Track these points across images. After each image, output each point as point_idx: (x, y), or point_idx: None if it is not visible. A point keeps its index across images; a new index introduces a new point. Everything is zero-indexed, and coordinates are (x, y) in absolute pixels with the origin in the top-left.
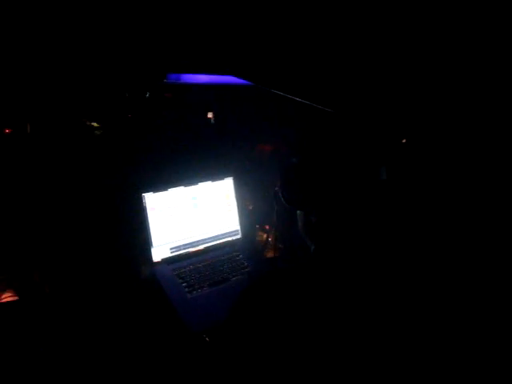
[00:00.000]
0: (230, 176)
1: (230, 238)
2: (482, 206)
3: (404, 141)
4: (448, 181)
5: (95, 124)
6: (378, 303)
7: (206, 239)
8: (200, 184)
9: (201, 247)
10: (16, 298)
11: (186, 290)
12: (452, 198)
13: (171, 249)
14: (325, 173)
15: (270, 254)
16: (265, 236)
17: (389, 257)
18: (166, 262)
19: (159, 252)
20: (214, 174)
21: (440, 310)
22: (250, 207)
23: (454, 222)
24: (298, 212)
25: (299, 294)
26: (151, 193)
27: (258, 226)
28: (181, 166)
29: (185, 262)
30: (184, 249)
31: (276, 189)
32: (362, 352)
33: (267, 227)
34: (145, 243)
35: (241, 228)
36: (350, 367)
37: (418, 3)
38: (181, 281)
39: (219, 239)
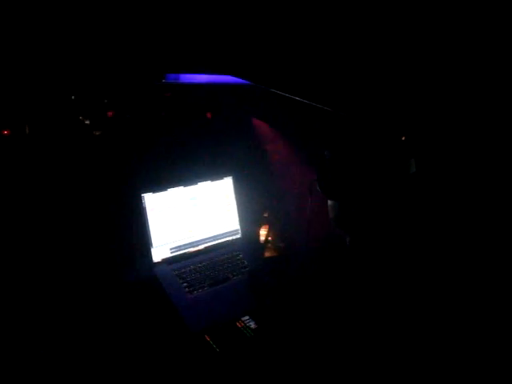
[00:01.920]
0: (230, 175)
1: (229, 238)
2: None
3: (403, 138)
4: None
5: (86, 121)
6: (417, 293)
7: (205, 239)
8: (199, 184)
9: (201, 247)
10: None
11: (187, 289)
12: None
13: (171, 249)
14: (357, 164)
15: (269, 253)
16: (265, 235)
17: (426, 248)
18: (167, 262)
19: (159, 252)
20: (214, 174)
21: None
22: (266, 215)
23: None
24: (330, 203)
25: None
26: (151, 193)
27: (258, 225)
28: (180, 166)
29: (185, 262)
30: (184, 249)
31: (312, 181)
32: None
33: (267, 226)
34: (145, 244)
35: (240, 227)
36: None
37: (420, 3)
38: (181, 281)
39: (219, 239)
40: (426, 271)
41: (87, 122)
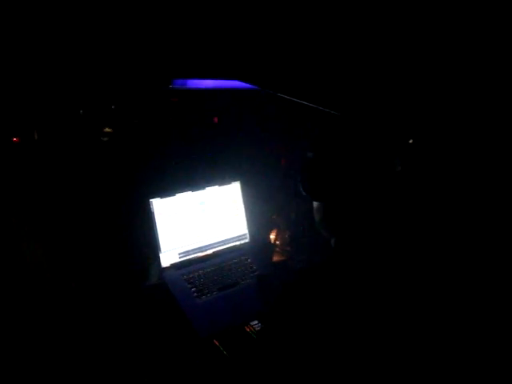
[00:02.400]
0: (237, 180)
1: (238, 242)
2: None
3: (411, 141)
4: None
5: (108, 129)
6: (403, 297)
7: (214, 244)
8: (207, 189)
9: (209, 252)
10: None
11: (195, 294)
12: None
13: (180, 254)
14: (340, 164)
15: (277, 257)
16: (273, 239)
17: (412, 249)
18: (175, 267)
19: (168, 257)
20: (221, 179)
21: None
22: (274, 216)
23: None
24: (315, 205)
25: (327, 289)
26: (158, 198)
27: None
28: (188, 170)
29: (193, 267)
30: (192, 254)
31: (296, 183)
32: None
33: (275, 230)
34: (153, 249)
35: (249, 232)
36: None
37: (429, 6)
38: (190, 286)
39: (227, 243)
40: (415, 272)
41: (105, 139)
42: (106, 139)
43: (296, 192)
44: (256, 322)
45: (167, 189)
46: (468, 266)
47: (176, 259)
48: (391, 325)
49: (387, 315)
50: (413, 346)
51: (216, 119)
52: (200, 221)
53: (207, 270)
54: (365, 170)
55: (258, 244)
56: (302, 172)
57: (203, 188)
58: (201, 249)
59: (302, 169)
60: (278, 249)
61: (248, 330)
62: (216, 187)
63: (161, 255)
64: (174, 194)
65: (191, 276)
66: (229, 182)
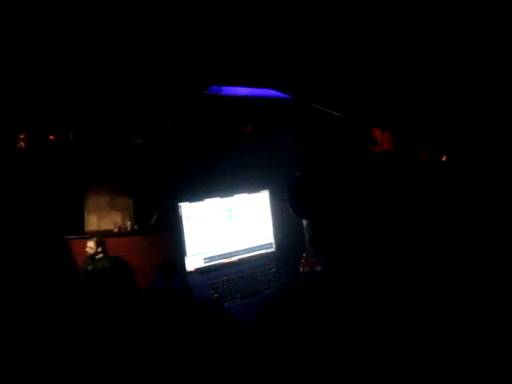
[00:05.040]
0: (266, 189)
1: (263, 251)
2: None
3: (444, 158)
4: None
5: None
6: (393, 319)
7: (239, 251)
8: (236, 196)
9: (234, 259)
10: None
11: (218, 300)
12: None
13: (205, 259)
14: (327, 183)
15: (303, 268)
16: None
17: (403, 270)
18: (199, 271)
19: (193, 262)
20: (250, 187)
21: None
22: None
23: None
24: (305, 224)
25: (314, 311)
26: (187, 202)
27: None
28: (218, 177)
29: (218, 273)
30: (217, 259)
31: (283, 199)
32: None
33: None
34: (179, 252)
35: (275, 241)
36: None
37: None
38: (213, 291)
39: (253, 251)
40: (405, 292)
41: (139, 141)
42: (139, 141)
43: (283, 211)
44: None
45: (196, 193)
46: (467, 296)
47: (201, 264)
48: (382, 345)
49: (377, 336)
50: (408, 373)
51: (249, 127)
52: (227, 227)
53: (231, 276)
54: (351, 190)
55: (284, 254)
56: (289, 190)
57: (232, 195)
58: (226, 255)
59: (290, 187)
60: (303, 260)
61: None
62: (245, 194)
63: (186, 259)
64: (202, 199)
65: (215, 282)
66: (258, 190)
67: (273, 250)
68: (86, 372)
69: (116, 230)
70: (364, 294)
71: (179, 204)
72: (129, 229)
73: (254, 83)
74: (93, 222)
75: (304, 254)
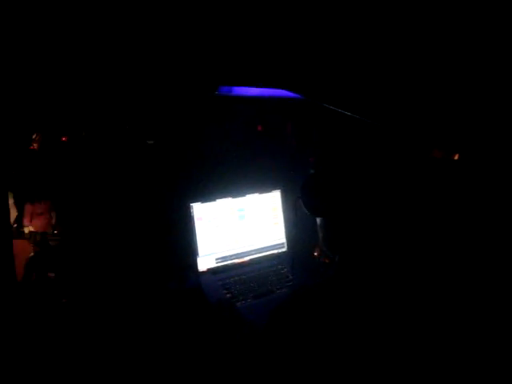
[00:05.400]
0: (278, 189)
1: (275, 251)
2: None
3: (457, 157)
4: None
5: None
6: (405, 316)
7: (251, 251)
8: (248, 196)
9: (246, 259)
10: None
11: (231, 300)
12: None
13: (217, 259)
14: (341, 181)
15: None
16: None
17: (414, 266)
18: (211, 271)
19: (205, 262)
20: (262, 187)
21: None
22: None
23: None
24: (319, 223)
25: (328, 310)
26: (199, 203)
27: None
28: (229, 177)
29: (230, 273)
30: (229, 260)
31: (297, 197)
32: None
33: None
34: (191, 252)
35: (287, 241)
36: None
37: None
38: (225, 291)
39: (265, 251)
40: (418, 289)
41: (150, 142)
42: (151, 142)
43: (296, 209)
44: None
45: (208, 194)
46: (478, 287)
47: (213, 264)
48: (395, 344)
49: (391, 335)
50: (418, 370)
51: (260, 127)
52: (238, 227)
53: (243, 276)
54: (366, 186)
55: (296, 253)
56: (303, 188)
57: (244, 195)
58: (238, 255)
59: (303, 185)
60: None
61: None
62: (256, 195)
63: (198, 259)
64: (214, 200)
65: (227, 282)
66: (269, 190)
67: (284, 249)
68: (92, 373)
69: None
70: (376, 293)
71: (191, 204)
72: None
73: (265, 83)
74: None
75: (315, 254)
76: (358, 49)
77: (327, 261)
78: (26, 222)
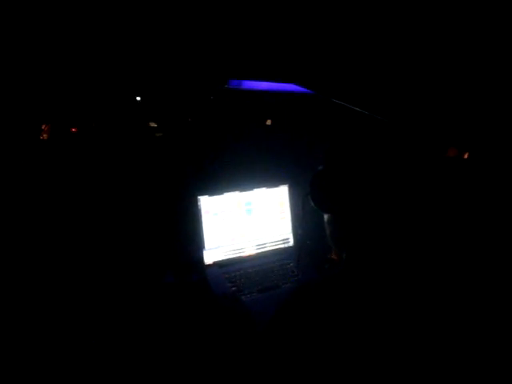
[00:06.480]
0: (286, 183)
1: (281, 246)
2: None
3: (466, 156)
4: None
5: (153, 124)
6: (413, 314)
7: (257, 245)
8: (255, 190)
9: (252, 253)
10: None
11: (236, 294)
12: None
13: (223, 253)
14: (350, 177)
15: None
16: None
17: (423, 264)
18: (218, 265)
19: (211, 255)
20: (270, 181)
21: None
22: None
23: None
24: (326, 219)
25: (334, 306)
26: (207, 196)
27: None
28: (237, 171)
29: (236, 266)
30: (235, 253)
31: (305, 195)
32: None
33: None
34: (198, 245)
35: (293, 236)
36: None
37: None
38: (230, 284)
39: (271, 246)
40: (426, 286)
41: (154, 125)
42: (159, 134)
43: (303, 205)
44: None
45: (216, 187)
46: (486, 284)
47: (219, 257)
48: (402, 341)
49: (398, 331)
50: (424, 364)
51: (269, 121)
52: (245, 221)
53: (249, 270)
54: (375, 183)
55: (302, 249)
56: (312, 184)
57: (251, 189)
58: (244, 249)
59: (312, 181)
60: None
61: None
62: (264, 189)
63: (204, 252)
64: (221, 193)
65: (233, 275)
66: (277, 185)
67: (291, 244)
68: (98, 370)
69: None
70: (383, 291)
71: (198, 197)
72: None
73: (274, 77)
74: None
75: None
76: (370, 44)
77: (335, 258)
78: None
